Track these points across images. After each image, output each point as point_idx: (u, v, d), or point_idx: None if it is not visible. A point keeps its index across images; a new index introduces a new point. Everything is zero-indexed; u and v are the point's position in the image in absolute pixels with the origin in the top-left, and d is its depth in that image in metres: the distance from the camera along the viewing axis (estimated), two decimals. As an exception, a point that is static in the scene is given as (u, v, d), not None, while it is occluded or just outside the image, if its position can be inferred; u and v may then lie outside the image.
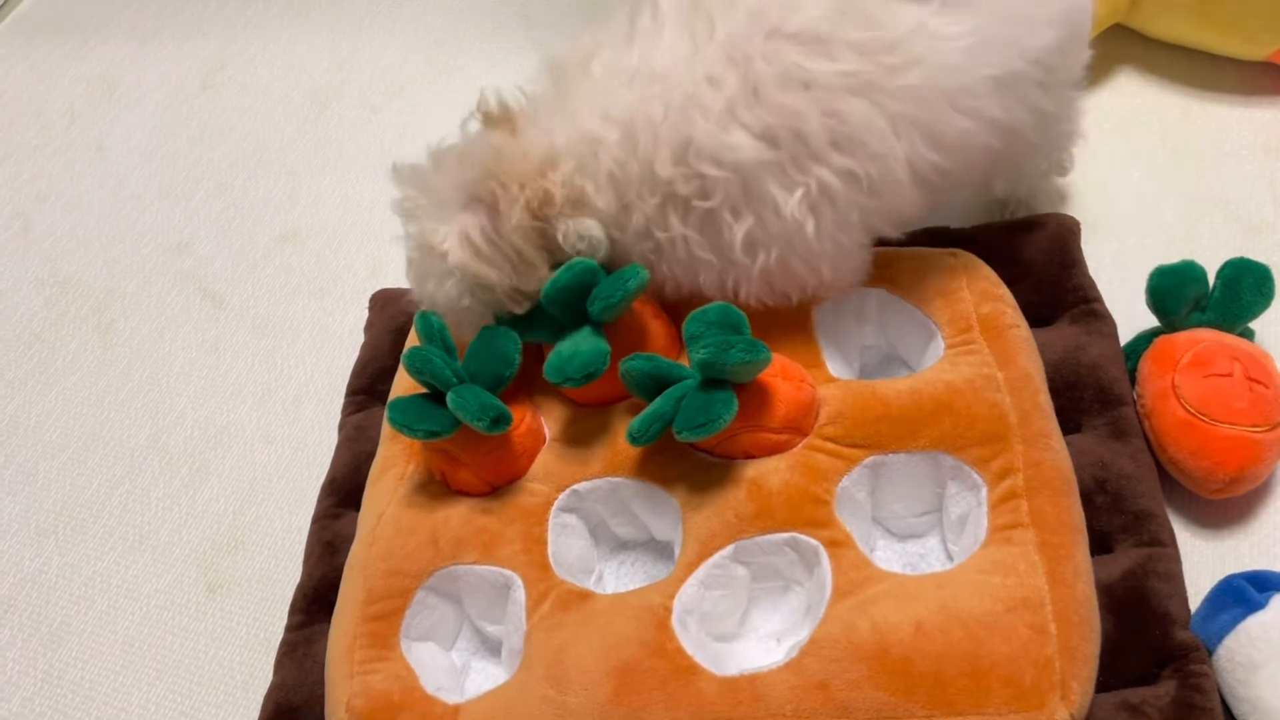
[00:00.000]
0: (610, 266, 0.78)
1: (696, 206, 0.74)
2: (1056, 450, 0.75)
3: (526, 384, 0.83)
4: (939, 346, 0.82)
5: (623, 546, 0.83)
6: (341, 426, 0.95)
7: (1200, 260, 0.85)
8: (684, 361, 0.78)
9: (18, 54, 1.47)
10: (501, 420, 0.76)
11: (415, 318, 0.80)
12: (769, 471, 0.75)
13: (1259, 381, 0.79)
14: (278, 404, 1.05)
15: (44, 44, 1.48)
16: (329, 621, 0.79)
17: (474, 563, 0.77)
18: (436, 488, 0.81)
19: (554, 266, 0.77)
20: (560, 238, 0.76)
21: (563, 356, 0.76)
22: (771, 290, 0.79)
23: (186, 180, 1.27)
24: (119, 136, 1.34)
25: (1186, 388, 0.79)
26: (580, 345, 0.76)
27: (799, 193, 0.73)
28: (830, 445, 0.76)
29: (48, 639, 0.93)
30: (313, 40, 1.40)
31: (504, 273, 0.76)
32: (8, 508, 1.02)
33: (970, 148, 0.75)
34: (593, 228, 0.76)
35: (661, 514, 0.78)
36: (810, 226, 0.74)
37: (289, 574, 0.89)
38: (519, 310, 0.79)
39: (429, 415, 0.77)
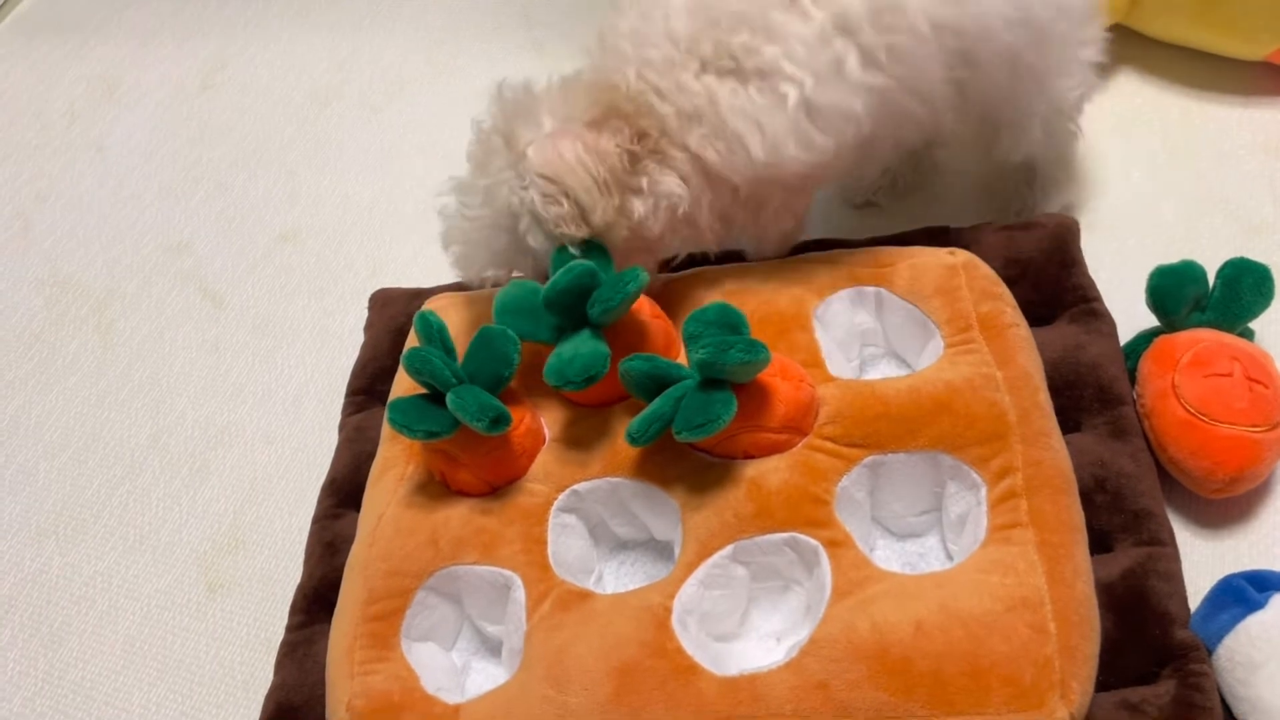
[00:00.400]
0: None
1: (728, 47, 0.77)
2: (1056, 449, 0.75)
3: (526, 384, 0.83)
4: (938, 345, 0.82)
5: (622, 546, 0.83)
6: (341, 427, 0.95)
7: (1200, 260, 0.85)
8: (683, 361, 0.78)
9: (18, 54, 1.47)
10: (501, 421, 0.76)
11: (414, 319, 0.80)
12: (768, 471, 0.75)
13: (1259, 381, 0.79)
14: (278, 404, 1.05)
15: (44, 44, 1.48)
16: (329, 622, 0.79)
17: (474, 563, 0.77)
18: (436, 488, 0.81)
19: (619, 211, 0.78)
20: (645, 185, 0.78)
21: (563, 359, 0.76)
22: (803, 140, 0.78)
23: (186, 180, 1.27)
24: (119, 136, 1.34)
25: (1186, 387, 0.79)
26: (580, 348, 0.76)
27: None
28: (829, 445, 0.76)
29: (48, 639, 0.93)
30: (313, 40, 1.40)
31: (584, 188, 0.76)
32: (8, 508, 1.02)
33: (989, 29, 0.78)
34: (674, 185, 0.79)
35: (661, 514, 0.78)
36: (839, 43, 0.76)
37: (289, 574, 0.89)
38: (576, 234, 0.78)
39: (428, 416, 0.77)
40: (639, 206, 0.79)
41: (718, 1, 0.78)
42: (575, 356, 0.76)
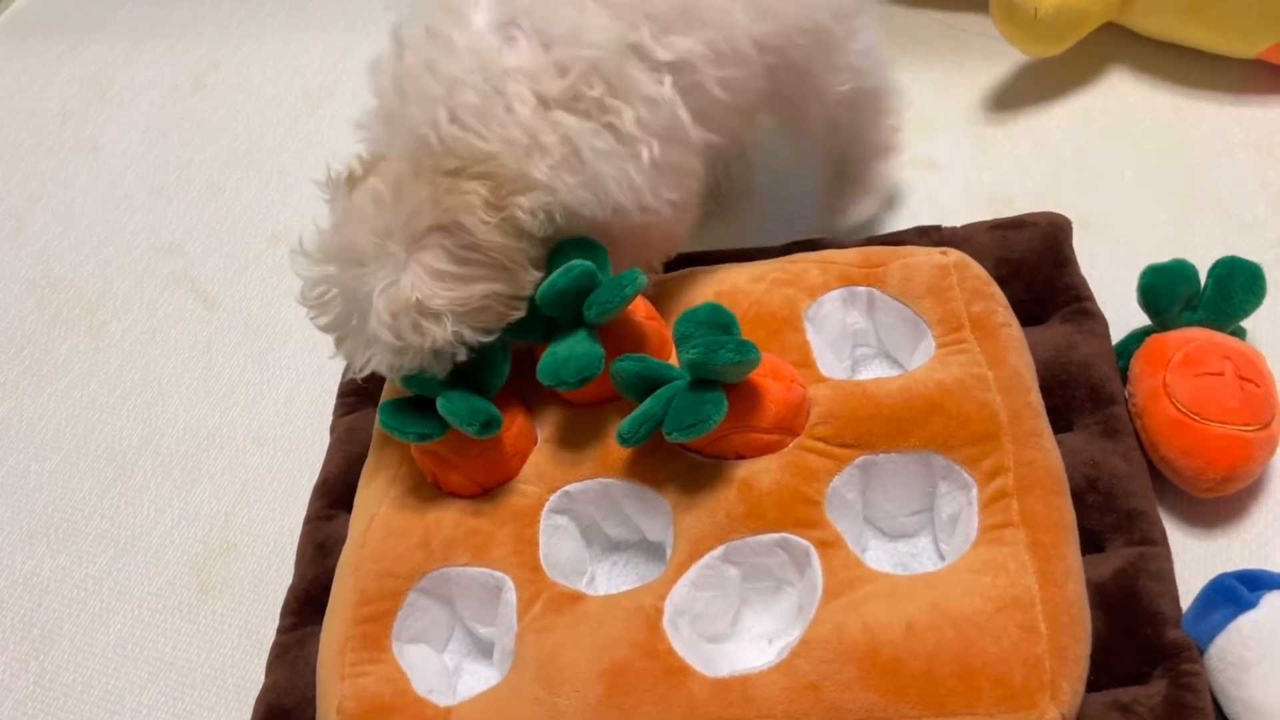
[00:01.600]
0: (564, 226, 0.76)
1: (583, 96, 0.73)
2: (1048, 449, 0.75)
3: (517, 385, 0.83)
4: (930, 345, 0.82)
5: (615, 547, 0.82)
6: (333, 428, 0.95)
7: (1191, 258, 0.85)
8: (674, 362, 0.77)
9: (10, 54, 1.47)
10: (492, 424, 0.76)
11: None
12: (760, 472, 0.75)
13: (1250, 380, 0.79)
14: (270, 405, 1.05)
15: (37, 44, 1.48)
16: (321, 623, 0.79)
17: (466, 564, 0.77)
18: (428, 490, 0.81)
19: (533, 255, 0.76)
20: (526, 218, 0.73)
21: (558, 359, 0.76)
22: (666, 185, 0.78)
23: (179, 181, 1.27)
24: (111, 137, 1.33)
25: (1178, 386, 0.79)
26: (575, 349, 0.76)
27: (668, 79, 0.75)
28: (821, 445, 0.76)
29: (39, 642, 0.93)
30: (305, 41, 1.40)
31: (497, 279, 0.74)
32: (-1, 510, 1.02)
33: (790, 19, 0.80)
34: (538, 196, 0.74)
35: (653, 515, 0.78)
36: (682, 111, 0.76)
37: (281, 576, 0.89)
38: (518, 315, 0.76)
39: (419, 418, 0.76)
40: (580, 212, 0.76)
41: (558, 32, 0.74)
42: (570, 357, 0.76)
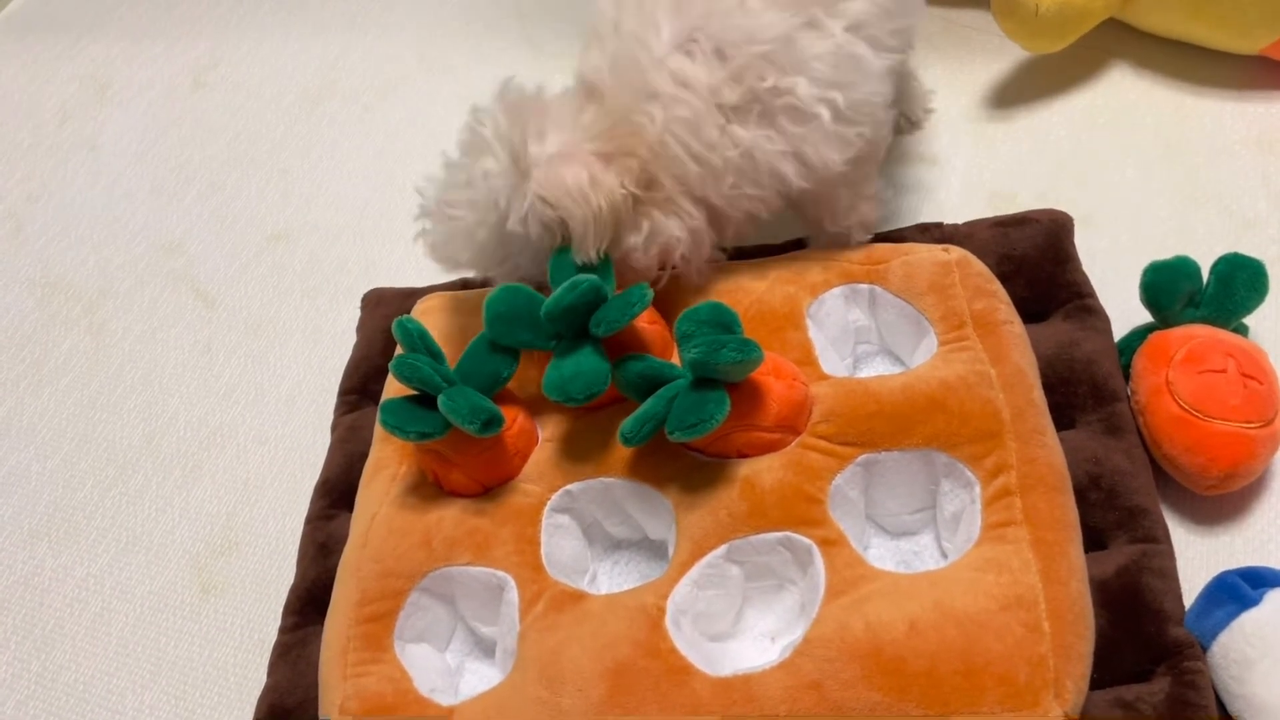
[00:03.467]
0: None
1: (758, 93, 0.77)
2: (1050, 447, 0.75)
3: (519, 384, 0.83)
4: (932, 343, 0.82)
5: (616, 546, 0.82)
6: (334, 427, 0.95)
7: (1193, 255, 0.84)
8: (676, 362, 0.77)
9: (9, 53, 1.47)
10: (493, 422, 0.76)
11: (394, 327, 0.79)
12: (762, 470, 0.75)
13: (1253, 377, 0.79)
14: (270, 404, 1.05)
15: (35, 43, 1.47)
16: (323, 623, 0.79)
17: (467, 564, 0.77)
18: (429, 489, 0.81)
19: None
20: (645, 227, 0.78)
21: (564, 375, 0.76)
22: (842, 143, 0.80)
23: (178, 180, 1.27)
24: (111, 136, 1.33)
25: (1180, 384, 0.79)
26: (582, 364, 0.76)
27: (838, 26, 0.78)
28: (823, 443, 0.76)
29: (41, 642, 0.92)
30: (304, 39, 1.39)
31: (580, 220, 0.75)
32: (0, 510, 1.01)
33: None
34: (676, 230, 0.79)
35: (655, 514, 0.78)
36: (860, 48, 0.79)
37: (283, 575, 0.88)
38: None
39: (420, 417, 0.76)
40: (631, 240, 0.79)
41: (732, 39, 0.77)
42: (578, 374, 0.75)
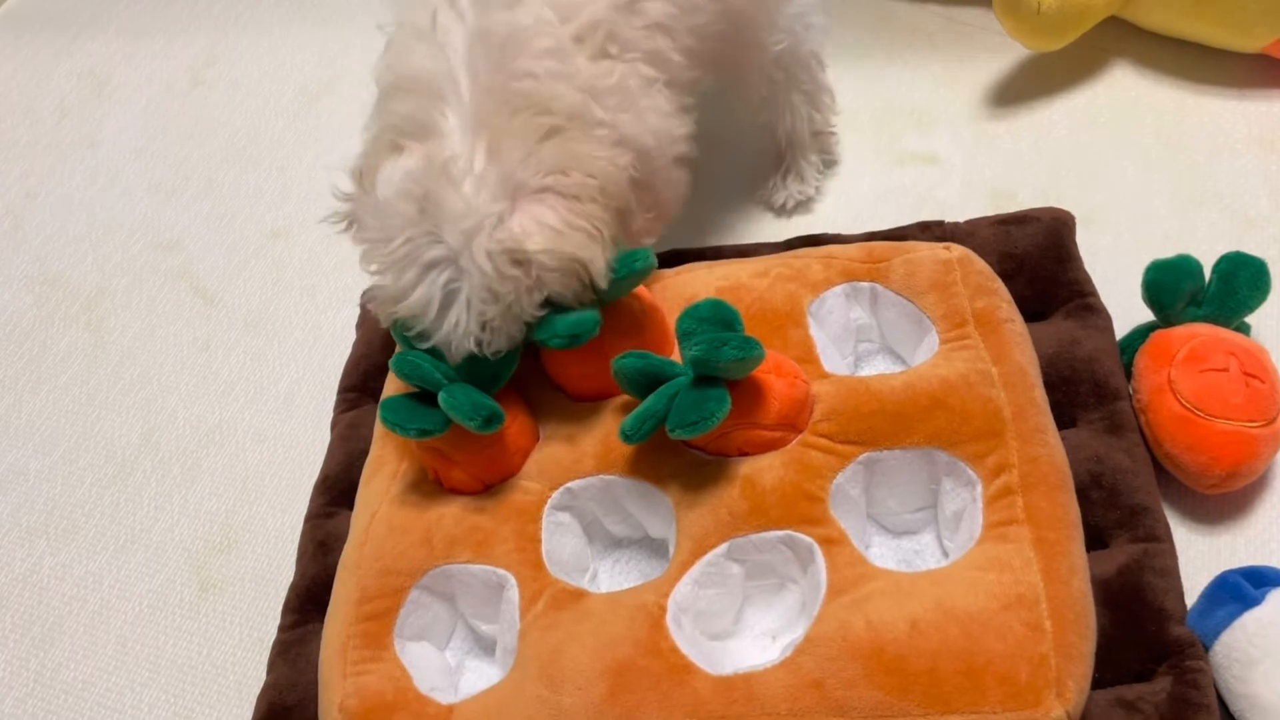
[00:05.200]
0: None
1: (607, 53, 0.78)
2: (1052, 445, 0.74)
3: (519, 381, 0.82)
4: (933, 341, 0.81)
5: (617, 544, 0.82)
6: (334, 424, 0.95)
7: (1194, 253, 0.84)
8: (677, 358, 0.77)
9: (7, 50, 1.46)
10: (493, 419, 0.75)
11: (391, 326, 0.79)
12: (763, 469, 0.75)
13: (1255, 376, 0.79)
14: (270, 402, 1.04)
15: (34, 40, 1.47)
16: (322, 621, 0.79)
17: (468, 562, 0.77)
18: (430, 486, 0.80)
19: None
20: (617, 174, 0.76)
21: (554, 318, 0.76)
22: (679, 123, 0.83)
23: (177, 177, 1.26)
24: (109, 133, 1.33)
25: (1182, 382, 0.79)
26: (572, 313, 0.76)
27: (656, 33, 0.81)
28: (824, 442, 0.76)
29: (40, 639, 0.92)
30: (303, 35, 1.39)
31: (589, 248, 0.74)
32: (-1, 507, 1.01)
33: None
34: (618, 148, 0.77)
35: (655, 512, 0.78)
36: (676, 56, 0.83)
37: (282, 573, 0.88)
38: (586, 296, 0.76)
39: (421, 414, 0.76)
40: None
41: (572, 10, 0.78)
42: (565, 314, 0.76)
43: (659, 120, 0.81)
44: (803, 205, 1.06)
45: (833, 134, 1.07)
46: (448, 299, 0.74)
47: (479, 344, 0.75)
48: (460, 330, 0.74)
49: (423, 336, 0.76)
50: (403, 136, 0.76)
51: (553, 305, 0.76)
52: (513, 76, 0.75)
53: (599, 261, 0.75)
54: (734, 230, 1.07)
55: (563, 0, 0.77)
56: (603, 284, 0.76)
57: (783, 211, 1.06)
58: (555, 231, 0.73)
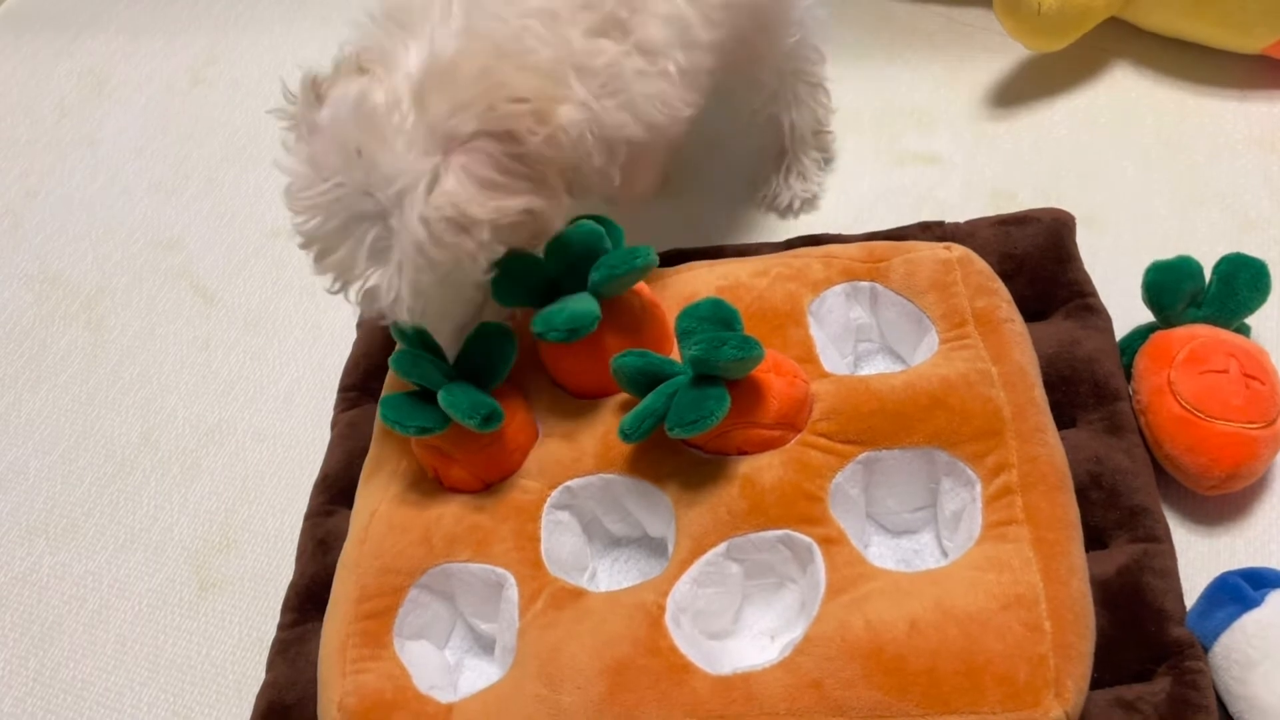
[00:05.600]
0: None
1: (617, 20, 0.75)
2: (1051, 445, 0.74)
3: (519, 379, 0.82)
4: (933, 341, 0.81)
5: (616, 543, 0.82)
6: (334, 423, 0.95)
7: (1195, 254, 0.84)
8: (676, 357, 0.77)
9: (7, 49, 1.46)
10: (493, 418, 0.75)
11: (390, 325, 0.79)
12: (762, 468, 0.75)
13: (1255, 378, 0.79)
14: (270, 401, 1.04)
15: (34, 39, 1.47)
16: (321, 620, 0.79)
17: (467, 560, 0.77)
18: (429, 485, 0.80)
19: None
20: (564, 134, 0.72)
21: (552, 309, 0.76)
22: (691, 89, 0.81)
23: (177, 176, 1.26)
24: (109, 132, 1.33)
25: (1182, 384, 0.79)
26: (572, 304, 0.76)
27: None
28: (824, 441, 0.76)
29: (39, 638, 0.92)
30: (303, 34, 1.39)
31: (538, 194, 0.71)
32: (-2, 506, 1.01)
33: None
34: (573, 111, 0.72)
35: (654, 511, 0.78)
36: (693, 15, 0.79)
37: (281, 572, 0.88)
38: (546, 238, 0.74)
39: (421, 412, 0.76)
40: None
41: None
42: (565, 308, 0.76)
43: (655, 109, 0.78)
44: (808, 204, 1.06)
45: (830, 133, 1.07)
46: (375, 257, 0.70)
47: (411, 313, 0.71)
48: (391, 295, 0.70)
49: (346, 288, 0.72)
50: (368, 60, 0.72)
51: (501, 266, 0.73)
52: (491, 19, 0.71)
53: (550, 209, 0.72)
54: (734, 230, 1.07)
55: None
56: (558, 226, 0.74)
57: (788, 212, 1.06)
58: (495, 185, 0.69)
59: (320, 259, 0.72)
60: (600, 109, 0.74)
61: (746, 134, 1.09)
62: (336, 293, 0.73)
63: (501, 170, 0.70)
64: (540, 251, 0.76)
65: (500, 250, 0.72)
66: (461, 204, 0.68)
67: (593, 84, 0.74)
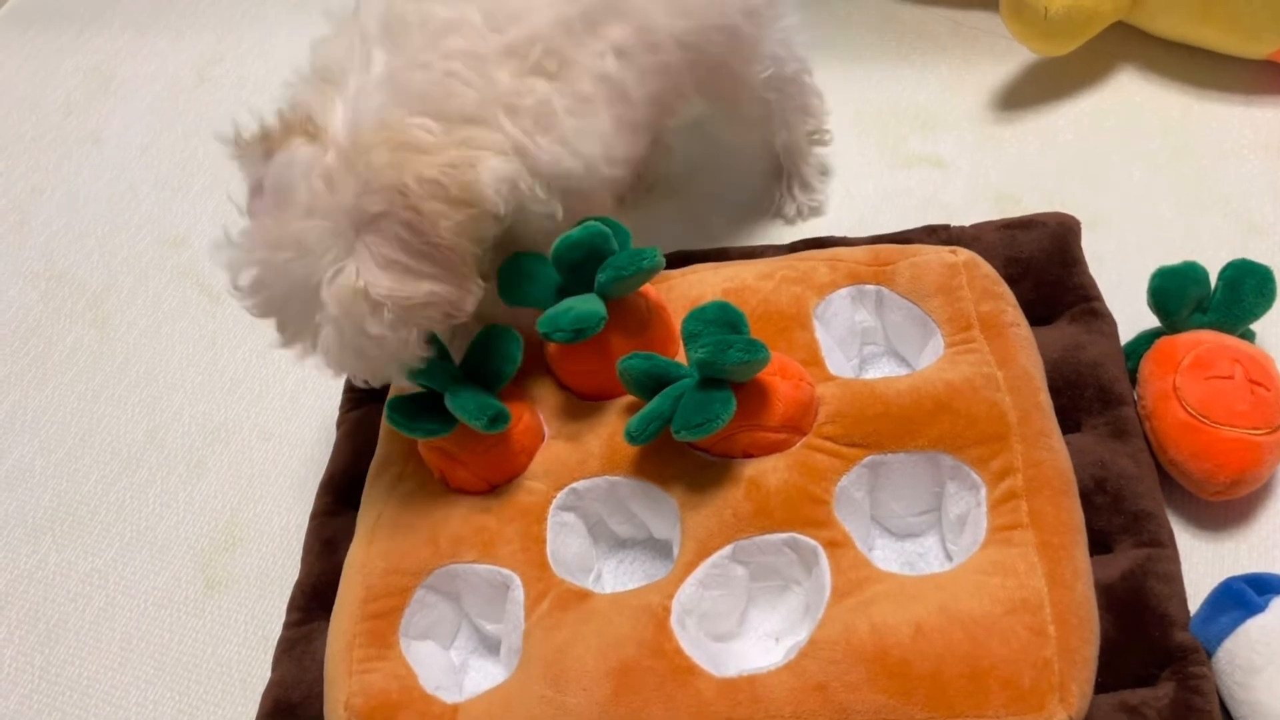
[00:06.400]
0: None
1: (545, 69, 0.75)
2: (1056, 450, 0.74)
3: (525, 381, 0.83)
4: (938, 345, 0.81)
5: (621, 545, 0.82)
6: (340, 423, 0.95)
7: (1200, 259, 0.85)
8: (682, 360, 0.77)
9: (13, 46, 1.47)
10: (499, 419, 0.75)
11: None
12: (767, 471, 0.75)
13: (1260, 384, 0.79)
14: (275, 400, 1.04)
15: (40, 36, 1.47)
16: (327, 619, 0.79)
17: (473, 561, 0.77)
18: (435, 486, 0.81)
19: (484, 254, 0.74)
20: (490, 190, 0.70)
21: (558, 310, 0.76)
22: (621, 143, 0.80)
23: (183, 174, 1.27)
24: (115, 129, 1.33)
25: (1188, 389, 0.79)
26: (578, 304, 0.76)
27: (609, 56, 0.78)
28: (829, 444, 0.76)
29: (45, 636, 0.92)
30: (309, 32, 1.37)
31: (445, 280, 0.70)
32: (3, 504, 1.01)
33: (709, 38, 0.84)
34: (505, 164, 0.71)
35: (660, 513, 0.78)
36: (628, 77, 0.79)
37: (287, 571, 0.88)
38: (457, 321, 0.74)
39: (427, 413, 0.76)
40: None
41: (513, 25, 0.74)
42: (571, 308, 0.76)
43: (590, 144, 0.76)
44: (814, 211, 1.06)
45: (827, 132, 1.07)
46: (306, 324, 0.72)
47: (351, 373, 0.74)
48: (332, 358, 0.72)
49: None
50: (301, 119, 0.72)
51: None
52: (414, 67, 0.71)
53: (457, 296, 0.71)
54: (740, 232, 1.07)
55: (499, 8, 0.74)
56: (470, 310, 0.73)
57: (795, 220, 1.06)
58: (400, 266, 0.69)
59: (261, 316, 0.74)
60: (534, 146, 0.73)
61: (747, 145, 1.09)
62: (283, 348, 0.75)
63: (409, 252, 0.69)
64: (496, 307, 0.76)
65: (413, 334, 0.72)
66: (366, 283, 0.68)
67: (524, 122, 0.73)
